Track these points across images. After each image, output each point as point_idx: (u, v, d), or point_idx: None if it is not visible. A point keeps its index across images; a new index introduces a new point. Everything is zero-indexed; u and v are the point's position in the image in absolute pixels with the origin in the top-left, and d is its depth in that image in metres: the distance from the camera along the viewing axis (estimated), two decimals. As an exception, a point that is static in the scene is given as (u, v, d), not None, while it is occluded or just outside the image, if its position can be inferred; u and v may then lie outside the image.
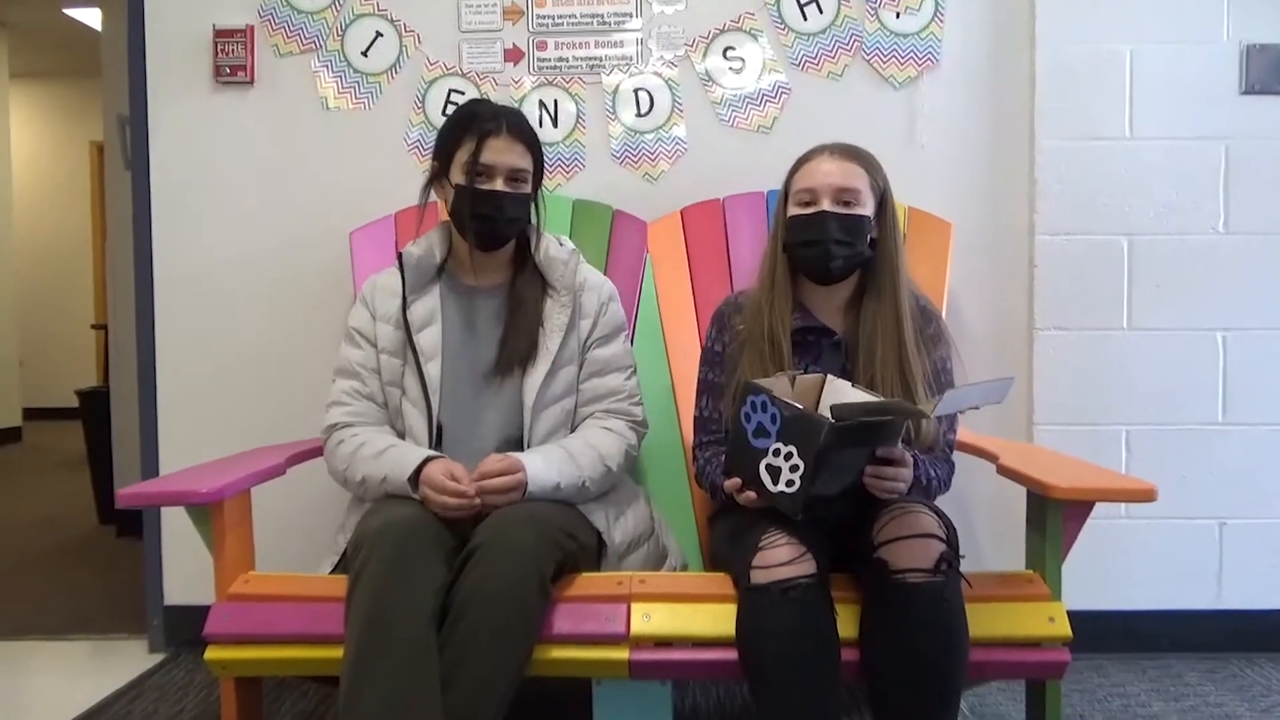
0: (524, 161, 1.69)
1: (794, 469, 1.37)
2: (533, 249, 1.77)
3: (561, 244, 1.78)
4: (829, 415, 1.38)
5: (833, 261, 1.61)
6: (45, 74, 7.18)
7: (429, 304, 1.73)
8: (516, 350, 1.70)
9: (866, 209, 1.61)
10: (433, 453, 1.59)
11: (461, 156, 1.68)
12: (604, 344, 1.77)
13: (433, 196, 1.80)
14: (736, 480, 1.47)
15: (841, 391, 1.54)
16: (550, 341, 1.71)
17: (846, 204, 1.60)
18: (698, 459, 1.73)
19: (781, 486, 1.38)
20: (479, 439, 1.69)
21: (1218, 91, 2.20)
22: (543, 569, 1.45)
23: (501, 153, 1.66)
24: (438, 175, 1.74)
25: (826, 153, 1.64)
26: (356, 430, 1.68)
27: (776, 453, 1.39)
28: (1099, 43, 2.21)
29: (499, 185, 1.67)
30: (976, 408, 1.48)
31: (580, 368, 1.75)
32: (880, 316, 1.62)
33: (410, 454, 1.59)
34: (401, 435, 1.70)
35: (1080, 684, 2.09)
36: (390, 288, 1.75)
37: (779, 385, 1.50)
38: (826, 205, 1.60)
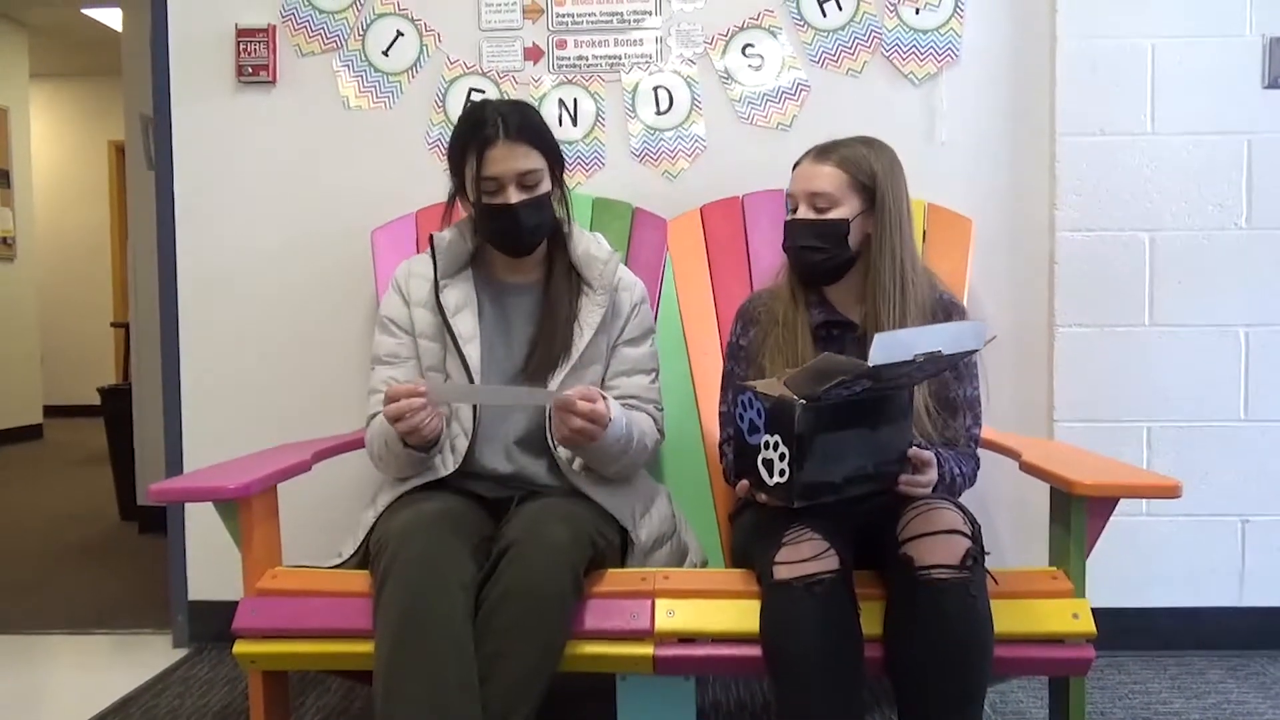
0: (530, 162, 1.61)
1: (782, 458, 1.37)
2: (569, 246, 1.73)
3: (600, 243, 1.76)
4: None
5: (805, 267, 1.64)
6: (65, 74, 7.24)
7: (463, 290, 1.70)
8: (549, 353, 1.68)
9: (843, 210, 1.61)
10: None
11: (469, 172, 1.62)
12: (634, 344, 1.76)
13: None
14: (745, 482, 1.48)
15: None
16: (581, 339, 1.69)
17: (819, 209, 1.61)
18: (725, 454, 1.74)
19: (776, 478, 1.39)
20: (507, 436, 1.69)
21: (1240, 85, 2.19)
22: (576, 567, 1.46)
23: (503, 161, 1.59)
24: (457, 192, 1.70)
25: (811, 155, 1.66)
26: None
27: (768, 445, 1.40)
28: (1120, 37, 2.20)
29: (510, 196, 1.60)
30: (940, 353, 1.35)
31: (606, 367, 1.74)
32: (883, 309, 1.62)
33: None
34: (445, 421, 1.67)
35: (1101, 681, 2.09)
36: (423, 272, 1.73)
37: (774, 381, 1.50)
38: (801, 211, 1.63)
